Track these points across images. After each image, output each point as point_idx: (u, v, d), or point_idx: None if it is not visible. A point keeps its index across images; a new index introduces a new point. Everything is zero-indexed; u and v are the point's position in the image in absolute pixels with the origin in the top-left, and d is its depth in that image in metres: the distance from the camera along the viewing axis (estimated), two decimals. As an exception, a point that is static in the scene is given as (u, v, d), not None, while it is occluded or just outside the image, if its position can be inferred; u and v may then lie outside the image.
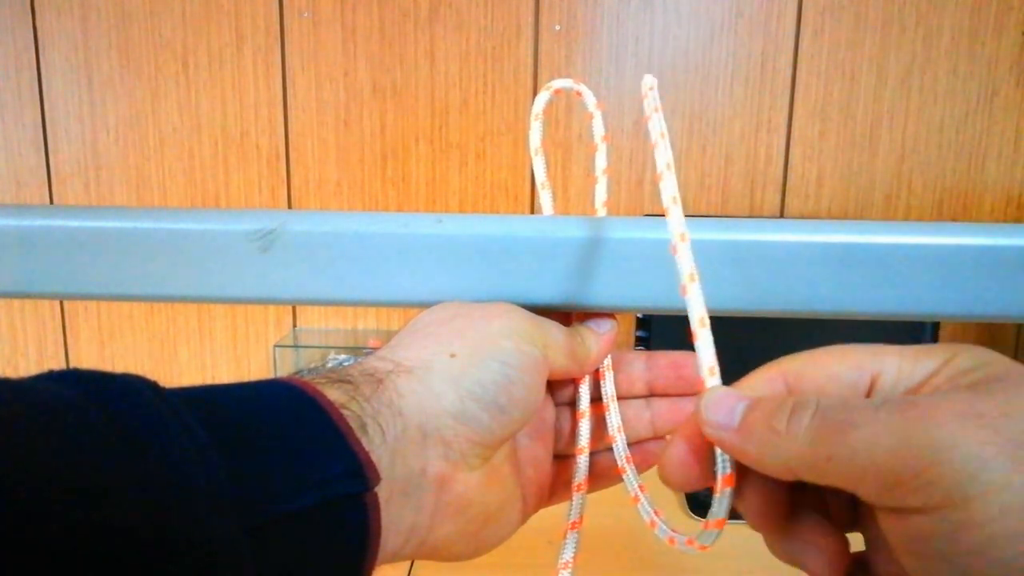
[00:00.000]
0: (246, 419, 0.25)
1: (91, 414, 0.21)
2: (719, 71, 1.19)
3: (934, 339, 1.13)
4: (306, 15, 1.21)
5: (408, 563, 0.81)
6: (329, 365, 1.22)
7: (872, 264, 0.31)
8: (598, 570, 0.82)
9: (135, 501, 0.20)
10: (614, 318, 0.35)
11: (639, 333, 1.15)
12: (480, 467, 0.29)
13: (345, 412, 0.26)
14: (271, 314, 1.32)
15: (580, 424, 0.34)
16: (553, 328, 0.32)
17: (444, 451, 0.28)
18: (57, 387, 0.22)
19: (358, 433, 0.26)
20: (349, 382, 0.28)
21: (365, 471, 0.25)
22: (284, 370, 1.26)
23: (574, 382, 0.34)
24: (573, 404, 0.35)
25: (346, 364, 0.30)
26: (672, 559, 0.85)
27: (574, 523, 0.32)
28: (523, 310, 0.32)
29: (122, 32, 1.22)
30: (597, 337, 0.33)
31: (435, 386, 0.28)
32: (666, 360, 0.35)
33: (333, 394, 0.27)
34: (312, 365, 0.30)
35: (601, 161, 0.36)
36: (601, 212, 0.35)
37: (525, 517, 0.34)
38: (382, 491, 0.26)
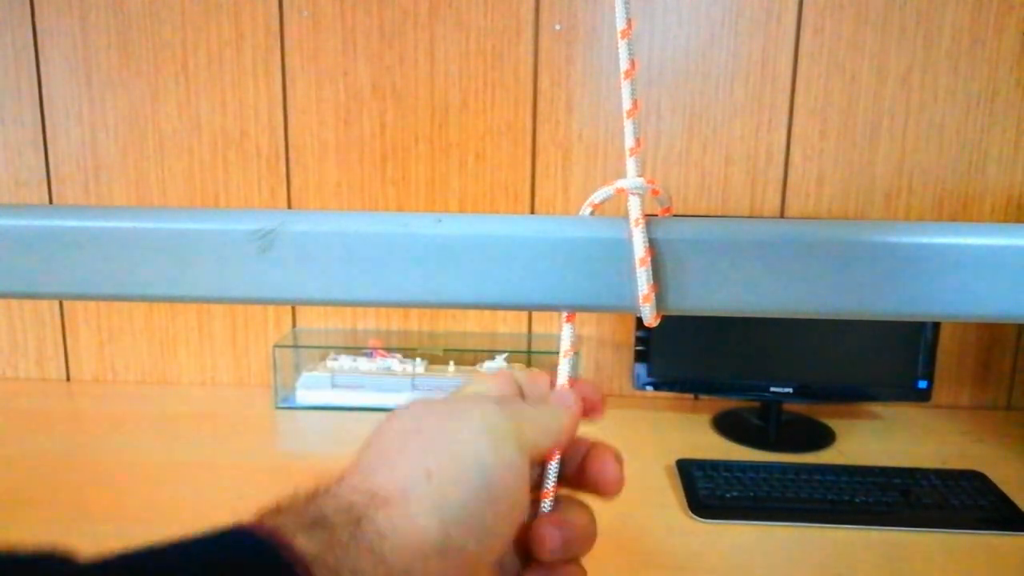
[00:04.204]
0: None
1: None
2: (719, 71, 1.19)
3: (934, 339, 1.12)
4: (306, 14, 1.21)
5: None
6: (329, 364, 1.22)
7: (872, 264, 0.31)
8: (598, 570, 0.82)
9: None
10: (571, 391, 0.34)
11: (639, 334, 1.15)
12: None
13: (318, 569, 0.24)
14: (271, 314, 1.32)
15: (543, 504, 0.33)
16: (525, 407, 0.31)
17: None
18: None
19: None
20: (324, 526, 0.25)
21: None
22: (284, 370, 1.26)
23: (543, 463, 0.33)
24: (537, 487, 0.33)
25: (322, 503, 0.27)
26: (672, 559, 0.84)
27: None
28: (490, 396, 0.31)
29: (122, 32, 1.22)
30: (567, 408, 0.33)
31: (418, 520, 0.27)
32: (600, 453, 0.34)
33: (305, 542, 0.24)
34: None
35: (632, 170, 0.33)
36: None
37: None
38: None
